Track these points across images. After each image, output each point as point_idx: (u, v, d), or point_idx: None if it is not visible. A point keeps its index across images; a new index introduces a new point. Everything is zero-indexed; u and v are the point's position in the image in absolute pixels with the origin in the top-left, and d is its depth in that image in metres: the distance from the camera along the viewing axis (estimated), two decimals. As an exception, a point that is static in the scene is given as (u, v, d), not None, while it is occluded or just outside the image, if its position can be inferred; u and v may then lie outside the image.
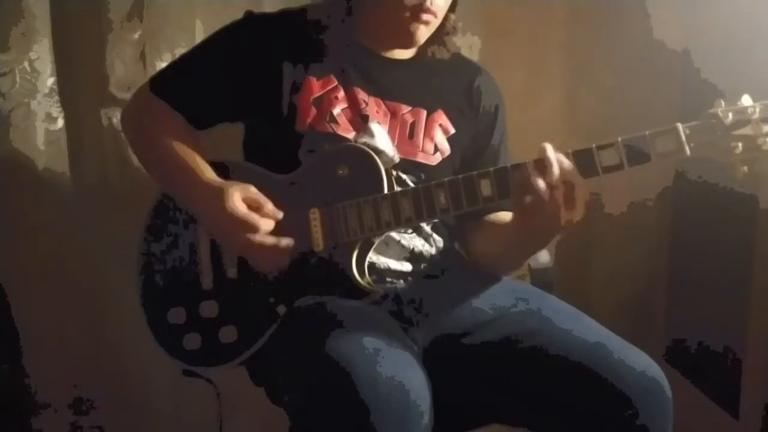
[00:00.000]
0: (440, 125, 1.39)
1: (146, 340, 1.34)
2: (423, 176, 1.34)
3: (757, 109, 1.11)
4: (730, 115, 1.11)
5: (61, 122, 1.67)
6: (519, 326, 1.26)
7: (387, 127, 1.34)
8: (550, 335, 1.23)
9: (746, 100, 1.12)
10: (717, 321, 1.82)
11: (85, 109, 1.70)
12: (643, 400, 1.16)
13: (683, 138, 1.12)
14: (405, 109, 1.37)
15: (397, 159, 1.32)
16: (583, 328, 1.25)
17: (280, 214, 1.26)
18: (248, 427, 1.84)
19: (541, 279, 1.50)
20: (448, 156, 1.38)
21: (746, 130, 1.11)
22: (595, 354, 1.19)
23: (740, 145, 1.11)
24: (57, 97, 1.65)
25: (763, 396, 1.65)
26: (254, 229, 1.23)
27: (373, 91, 1.36)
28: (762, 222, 1.64)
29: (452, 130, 1.40)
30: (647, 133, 1.14)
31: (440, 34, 1.39)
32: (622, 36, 1.89)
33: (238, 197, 1.24)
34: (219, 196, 1.23)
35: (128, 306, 1.38)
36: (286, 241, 1.24)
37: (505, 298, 1.34)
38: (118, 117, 1.68)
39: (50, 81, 1.64)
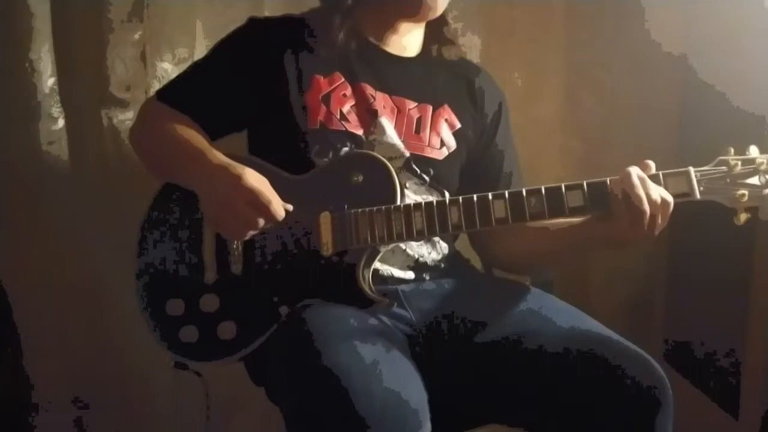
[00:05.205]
0: (446, 120, 1.40)
1: (146, 339, 1.34)
2: (431, 171, 1.35)
3: (765, 161, 1.16)
4: (739, 164, 1.17)
5: (61, 122, 1.67)
6: (519, 326, 1.27)
7: (394, 122, 1.35)
8: (550, 335, 1.24)
9: (754, 151, 1.18)
10: (717, 321, 1.82)
11: (86, 110, 1.69)
12: (643, 400, 1.16)
13: (694, 182, 1.17)
14: (411, 104, 1.38)
15: (407, 153, 1.34)
16: (583, 327, 1.25)
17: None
18: (247, 427, 1.84)
19: (541, 279, 1.51)
20: (455, 150, 1.39)
21: (753, 180, 1.17)
22: (595, 354, 1.19)
23: (747, 193, 1.17)
24: (57, 97, 1.65)
25: (763, 396, 1.65)
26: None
27: (380, 87, 1.37)
28: (762, 223, 1.63)
29: (458, 125, 1.40)
30: (660, 173, 1.18)
31: (441, 34, 1.41)
32: (622, 36, 1.89)
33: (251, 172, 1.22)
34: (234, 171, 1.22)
35: (128, 306, 1.38)
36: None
37: (506, 298, 1.34)
38: (119, 117, 1.69)
39: (51, 81, 1.63)
